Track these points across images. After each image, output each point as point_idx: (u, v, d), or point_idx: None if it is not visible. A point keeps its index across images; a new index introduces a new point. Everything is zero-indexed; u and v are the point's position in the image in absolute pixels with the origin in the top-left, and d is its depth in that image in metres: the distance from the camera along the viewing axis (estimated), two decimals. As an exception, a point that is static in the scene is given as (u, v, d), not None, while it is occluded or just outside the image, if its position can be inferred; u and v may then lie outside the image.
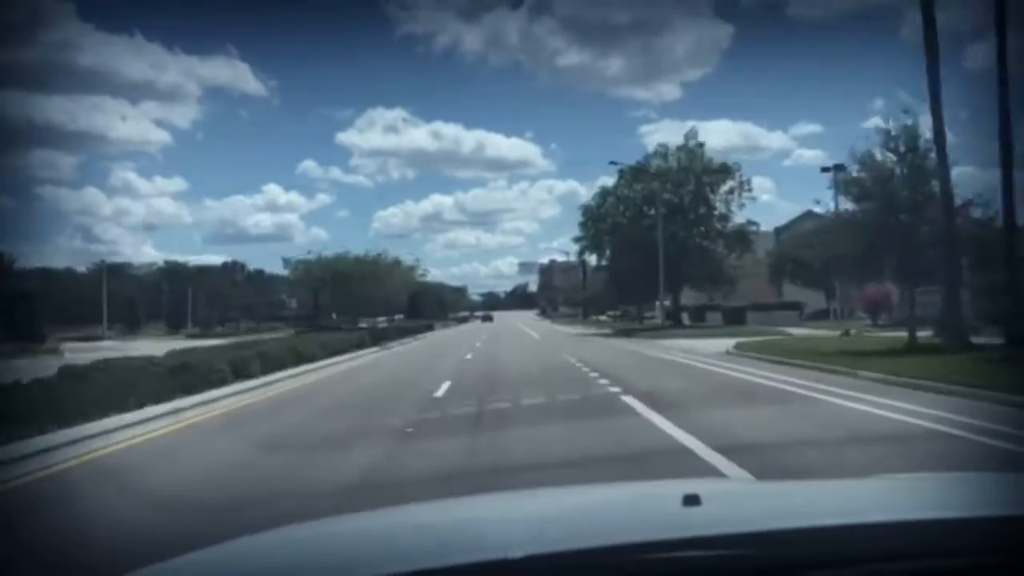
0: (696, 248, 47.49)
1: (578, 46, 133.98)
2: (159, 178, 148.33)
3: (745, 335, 36.71)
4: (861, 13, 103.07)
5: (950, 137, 19.74)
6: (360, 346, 29.47)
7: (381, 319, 48.88)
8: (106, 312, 69.39)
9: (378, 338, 34.82)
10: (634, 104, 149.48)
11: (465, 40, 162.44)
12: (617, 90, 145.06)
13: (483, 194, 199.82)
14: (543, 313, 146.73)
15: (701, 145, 48.46)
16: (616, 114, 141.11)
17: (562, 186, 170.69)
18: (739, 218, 49.15)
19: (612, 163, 51.18)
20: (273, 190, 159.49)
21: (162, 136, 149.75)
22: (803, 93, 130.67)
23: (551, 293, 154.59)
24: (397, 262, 36.77)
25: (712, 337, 36.58)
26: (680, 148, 48.35)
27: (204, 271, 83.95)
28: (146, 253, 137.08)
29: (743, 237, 48.51)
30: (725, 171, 47.71)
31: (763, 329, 39.51)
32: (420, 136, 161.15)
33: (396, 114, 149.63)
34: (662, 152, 48.62)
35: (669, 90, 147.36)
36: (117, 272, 77.71)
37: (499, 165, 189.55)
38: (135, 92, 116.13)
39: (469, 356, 25.91)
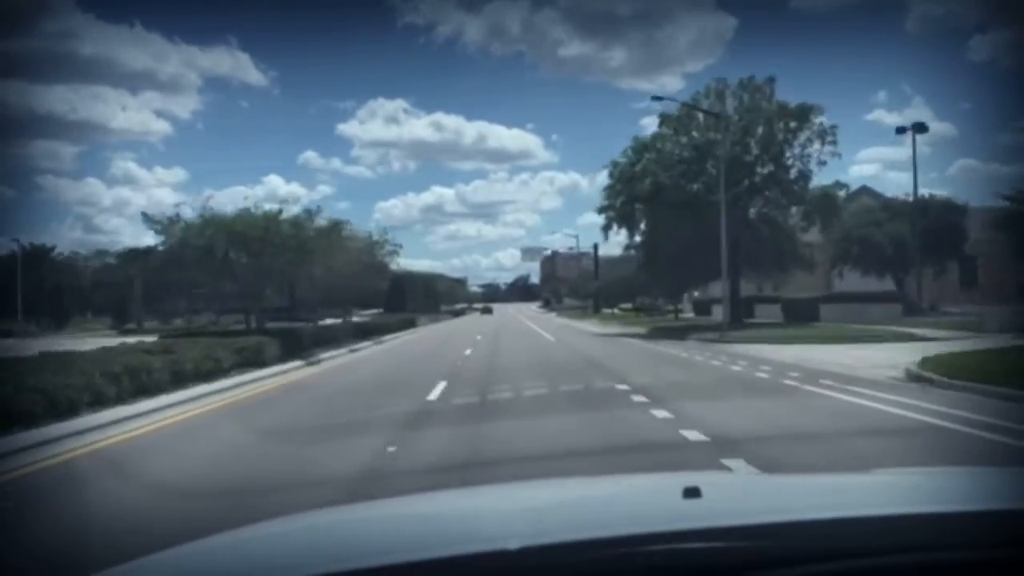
0: (764, 219, 34.94)
1: (580, 37, 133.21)
2: (159, 168, 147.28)
3: (868, 340, 24.53)
4: (864, 5, 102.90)
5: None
6: (254, 362, 16.95)
7: (336, 314, 36.61)
8: (20, 305, 57.68)
9: (311, 344, 22.37)
10: (636, 96, 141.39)
11: (467, 30, 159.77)
12: (619, 81, 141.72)
13: (484, 186, 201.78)
14: (546, 305, 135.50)
15: (771, 80, 35.65)
16: (618, 105, 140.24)
17: (563, 178, 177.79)
18: (819, 178, 36.40)
19: (656, 98, 38.47)
20: (274, 181, 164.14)
21: (163, 126, 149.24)
22: (806, 86, 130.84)
23: (555, 284, 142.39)
24: (337, 228, 23.94)
25: (817, 342, 24.40)
26: (744, 84, 35.55)
27: (140, 254, 71.29)
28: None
29: (830, 203, 35.78)
30: (804, 114, 34.88)
31: (869, 331, 27.26)
32: (421, 127, 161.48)
33: (397, 105, 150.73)
34: (718, 89, 35.76)
35: (671, 82, 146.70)
36: (40, 256, 65.12)
37: (500, 157, 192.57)
38: (135, 82, 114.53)
39: (437, 392, 13.34)
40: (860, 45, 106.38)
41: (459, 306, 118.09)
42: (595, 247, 77.06)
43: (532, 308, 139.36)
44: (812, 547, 1.29)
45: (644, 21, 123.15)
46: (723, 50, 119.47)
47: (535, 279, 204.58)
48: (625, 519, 1.63)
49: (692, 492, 1.55)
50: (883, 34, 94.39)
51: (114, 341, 17.44)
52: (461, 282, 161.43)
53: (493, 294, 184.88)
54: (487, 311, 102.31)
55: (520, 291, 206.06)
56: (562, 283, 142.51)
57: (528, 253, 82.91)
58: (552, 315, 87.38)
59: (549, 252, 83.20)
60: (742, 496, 1.94)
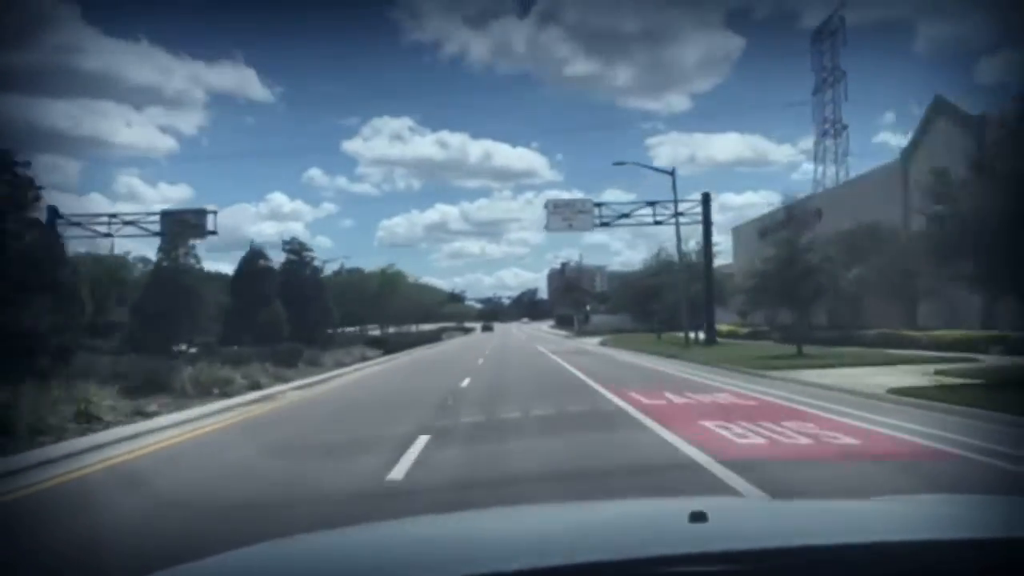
0: None
1: (586, 55, 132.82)
2: (164, 184, 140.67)
3: None
4: (874, 27, 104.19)
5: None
6: None
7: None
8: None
9: None
10: (642, 115, 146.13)
11: (472, 48, 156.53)
12: (625, 100, 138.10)
13: (488, 204, 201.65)
14: (567, 325, 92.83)
15: None
16: (624, 125, 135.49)
17: (568, 197, 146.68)
18: None
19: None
20: (278, 198, 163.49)
21: (167, 142, 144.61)
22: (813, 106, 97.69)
23: (578, 295, 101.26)
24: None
25: None
26: None
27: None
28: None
29: None
30: None
31: None
32: (426, 145, 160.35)
33: (402, 123, 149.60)
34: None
35: (678, 101, 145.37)
36: None
37: (505, 175, 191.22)
38: (140, 97, 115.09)
39: None
40: (868, 66, 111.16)
41: (432, 327, 77.25)
42: (705, 198, 36.23)
43: (544, 328, 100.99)
44: (817, 572, 1.26)
45: (650, 40, 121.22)
46: (731, 70, 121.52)
47: (543, 295, 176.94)
48: (630, 543, 1.60)
49: (698, 516, 1.52)
50: (892, 55, 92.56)
51: None
52: (457, 296, 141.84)
53: (495, 310, 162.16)
54: (488, 328, 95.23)
55: (526, 307, 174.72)
56: (587, 296, 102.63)
57: (558, 210, 41.24)
58: (603, 346, 46.59)
59: (590, 206, 41.09)
60: (748, 520, 1.91)
